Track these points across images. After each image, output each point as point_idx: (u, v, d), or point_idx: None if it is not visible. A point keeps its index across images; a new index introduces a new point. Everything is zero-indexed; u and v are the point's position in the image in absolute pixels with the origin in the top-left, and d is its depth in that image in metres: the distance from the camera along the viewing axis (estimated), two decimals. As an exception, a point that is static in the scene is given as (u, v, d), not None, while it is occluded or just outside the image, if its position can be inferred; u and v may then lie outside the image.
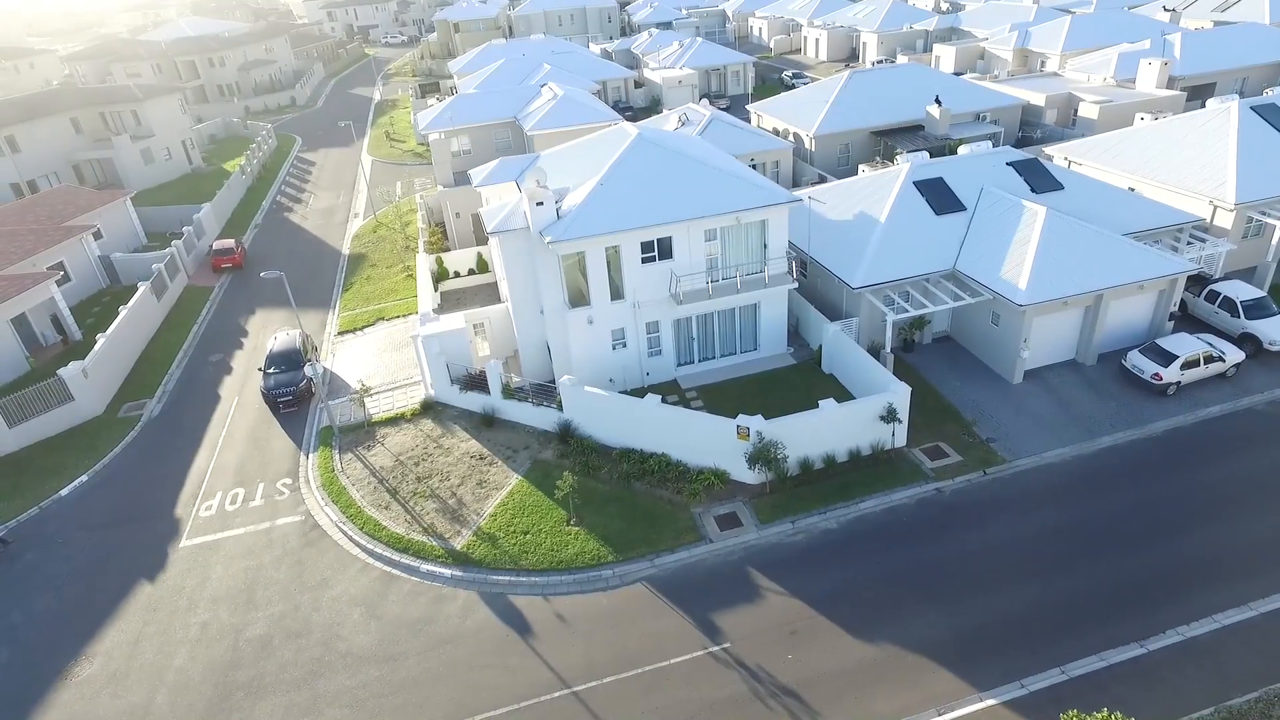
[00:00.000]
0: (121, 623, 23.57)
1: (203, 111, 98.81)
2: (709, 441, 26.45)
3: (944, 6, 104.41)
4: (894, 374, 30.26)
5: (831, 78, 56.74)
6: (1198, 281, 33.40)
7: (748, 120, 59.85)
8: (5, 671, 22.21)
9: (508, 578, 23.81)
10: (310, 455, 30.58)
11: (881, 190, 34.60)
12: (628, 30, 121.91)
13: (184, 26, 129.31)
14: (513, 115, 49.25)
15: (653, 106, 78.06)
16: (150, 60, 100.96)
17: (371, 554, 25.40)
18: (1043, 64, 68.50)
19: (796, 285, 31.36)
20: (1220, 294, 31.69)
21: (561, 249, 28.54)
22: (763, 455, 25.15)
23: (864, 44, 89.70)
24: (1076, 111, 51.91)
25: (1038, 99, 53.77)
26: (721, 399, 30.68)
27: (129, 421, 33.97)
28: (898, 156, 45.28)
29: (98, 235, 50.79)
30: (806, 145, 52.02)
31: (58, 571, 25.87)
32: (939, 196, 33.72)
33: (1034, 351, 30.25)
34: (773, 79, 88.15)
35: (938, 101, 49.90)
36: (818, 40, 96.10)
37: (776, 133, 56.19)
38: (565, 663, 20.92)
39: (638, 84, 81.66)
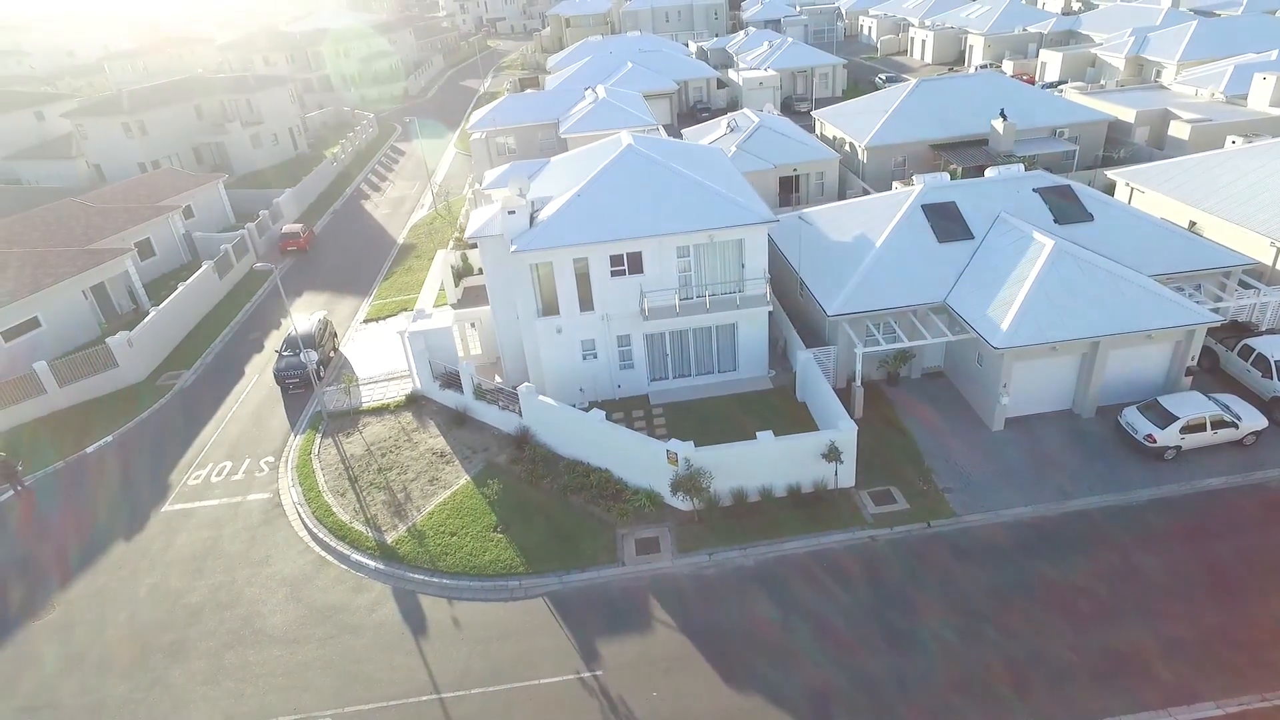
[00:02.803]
0: (91, 576, 26.18)
1: (324, 99, 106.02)
2: (643, 463, 26.20)
3: (1075, 6, 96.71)
4: (867, 408, 29.01)
5: (899, 85, 54.00)
6: (1240, 332, 29.69)
7: (813, 127, 58.06)
8: (-11, 606, 25.28)
9: (422, 577, 24.62)
10: (297, 437, 32.63)
11: (887, 212, 32.81)
12: (737, 27, 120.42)
13: (325, 18, 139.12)
14: (555, 118, 50.08)
15: (732, 107, 76.91)
16: (286, 51, 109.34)
17: (314, 537, 26.91)
18: (1157, 74, 62.27)
19: (771, 308, 30.38)
20: (1255, 350, 28.03)
21: (527, 258, 28.97)
22: (686, 484, 24.66)
23: (970, 46, 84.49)
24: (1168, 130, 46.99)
25: (1127, 114, 49.06)
26: (687, 418, 30.25)
27: (163, 390, 37.38)
28: (953, 172, 42.88)
29: (188, 214, 55.99)
30: (859, 157, 49.88)
31: (60, 522, 28.98)
32: (946, 222, 31.60)
33: (1022, 398, 27.93)
34: (870, 82, 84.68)
35: (1002, 115, 46.49)
36: (924, 42, 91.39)
37: (832, 142, 54.18)
38: (443, 668, 21.47)
39: (721, 84, 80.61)
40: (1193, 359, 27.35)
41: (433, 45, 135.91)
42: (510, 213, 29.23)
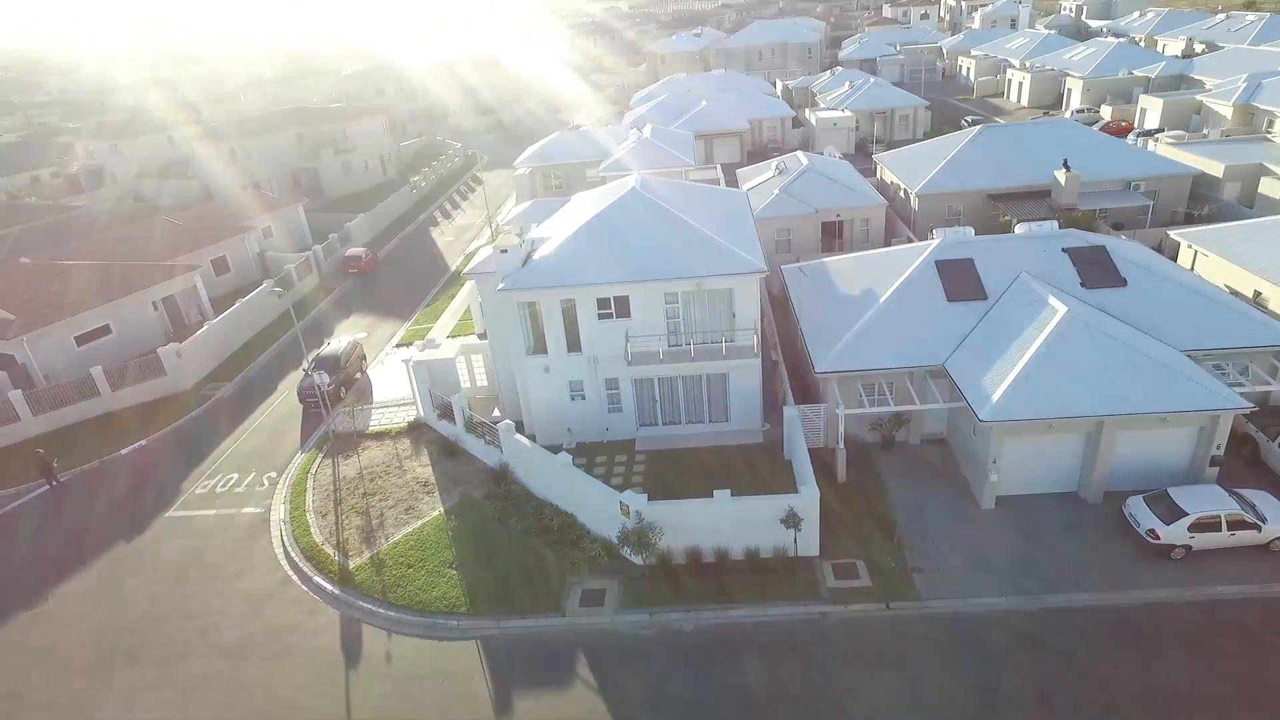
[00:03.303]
0: (87, 572, 28.00)
1: (426, 128, 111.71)
2: (603, 511, 25.72)
3: (1197, 49, 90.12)
4: (854, 473, 27.61)
5: (963, 131, 51.66)
6: (1289, 421, 26.38)
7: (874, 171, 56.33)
8: (-4, 592, 27.45)
9: (370, 606, 24.96)
10: (301, 455, 34.00)
11: (899, 266, 31.23)
12: (832, 66, 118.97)
13: (418, 53, 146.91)
14: (600, 155, 50.72)
15: (807, 148, 75.65)
16: (395, 82, 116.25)
17: (287, 556, 27.82)
18: (1269, 125, 56.88)
19: (758, 359, 29.36)
20: (1299, 443, 24.79)
21: (515, 296, 29.26)
22: (633, 537, 24.00)
23: (1069, 90, 79.95)
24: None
25: (1214, 168, 44.97)
26: (667, 467, 29.57)
27: (203, 400, 39.87)
28: (1012, 224, 40.60)
29: (268, 234, 60.04)
30: (911, 204, 47.89)
31: (79, 518, 31.23)
32: (958, 281, 29.75)
33: (1019, 475, 25.71)
34: (956, 125, 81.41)
35: (1065, 165, 43.55)
36: (1020, 84, 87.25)
37: (889, 187, 52.31)
38: (360, 703, 21.58)
39: (797, 124, 79.57)
40: (1218, 447, 24.41)
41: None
42: (502, 251, 29.66)
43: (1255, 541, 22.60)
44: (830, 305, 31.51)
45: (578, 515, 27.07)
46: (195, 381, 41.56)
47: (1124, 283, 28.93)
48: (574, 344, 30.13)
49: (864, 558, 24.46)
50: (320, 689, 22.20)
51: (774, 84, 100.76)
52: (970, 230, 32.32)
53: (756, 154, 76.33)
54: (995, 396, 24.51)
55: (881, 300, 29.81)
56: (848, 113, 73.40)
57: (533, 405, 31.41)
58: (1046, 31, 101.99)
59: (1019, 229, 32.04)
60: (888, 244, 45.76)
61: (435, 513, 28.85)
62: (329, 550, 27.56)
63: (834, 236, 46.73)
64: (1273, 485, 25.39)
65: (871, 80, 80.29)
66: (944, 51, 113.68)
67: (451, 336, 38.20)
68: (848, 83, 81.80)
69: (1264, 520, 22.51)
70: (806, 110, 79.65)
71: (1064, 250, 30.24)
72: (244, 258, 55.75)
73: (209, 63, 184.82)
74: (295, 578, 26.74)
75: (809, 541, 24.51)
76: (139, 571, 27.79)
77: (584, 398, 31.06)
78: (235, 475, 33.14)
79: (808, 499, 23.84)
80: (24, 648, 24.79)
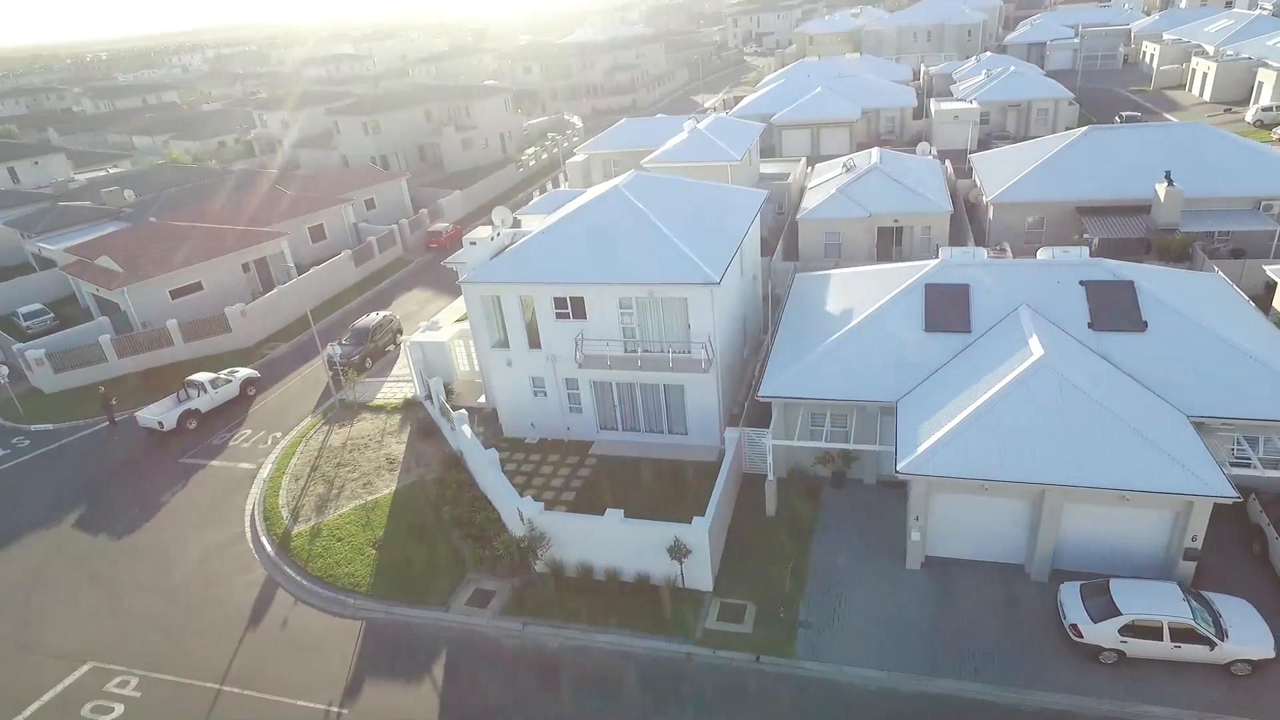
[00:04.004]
0: (102, 504, 31.77)
1: (565, 107, 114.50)
2: (513, 512, 25.63)
3: None
4: (789, 508, 25.88)
5: (1064, 133, 45.55)
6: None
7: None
8: (7, 512, 31.88)
9: (291, 572, 26.54)
10: (307, 419, 36.51)
11: (885, 286, 28.31)
12: (993, 50, 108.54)
13: (589, 31, 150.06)
14: (657, 145, 49.44)
15: (920, 141, 69.88)
16: (540, 61, 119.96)
17: (250, 514, 30.13)
18: None
19: (709, 374, 27.80)
20: (1310, 547, 19.95)
21: (476, 290, 29.57)
22: (510, 544, 23.77)
23: (1259, 84, 67.94)
24: None
25: (1376, 191, 36.71)
26: (612, 475, 28.95)
27: (258, 357, 43.79)
28: (1084, 242, 36.04)
29: (371, 206, 64.45)
30: (987, 213, 43.09)
31: (122, 454, 35.48)
32: (943, 309, 26.48)
33: (956, 538, 22.74)
34: (1110, 122, 71.82)
35: (1167, 179, 37.25)
36: (1205, 75, 75.23)
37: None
38: (240, 662, 23.09)
39: (918, 115, 73.53)
40: (1193, 539, 20.19)
41: (683, 59, 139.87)
42: (471, 243, 30.02)
43: (1207, 660, 18.60)
44: (810, 322, 29.19)
45: (501, 513, 27.19)
46: (257, 340, 45.66)
47: (1143, 327, 24.48)
48: (534, 340, 30.05)
49: (759, 601, 22.72)
50: (216, 640, 24.01)
51: (917, 70, 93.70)
52: (984, 251, 28.60)
53: (867, 145, 71.54)
54: (922, 446, 21.72)
55: (853, 323, 27.20)
56: (973, 104, 66.82)
57: (498, 397, 31.75)
58: (1257, 12, 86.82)
59: (1042, 254, 27.91)
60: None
61: (388, 490, 30.07)
62: (284, 514, 29.54)
63: (891, 243, 43.10)
64: (1275, 590, 20.74)
65: (1011, 68, 72.36)
66: (1132, 35, 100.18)
67: (459, 321, 39.30)
68: (985, 71, 74.30)
69: (1223, 636, 18.44)
70: (932, 100, 73.36)
71: (1081, 283, 26.04)
72: (340, 227, 60.12)
73: (399, 37, 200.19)
74: (248, 534, 28.95)
75: (699, 575, 23.12)
76: (136, 508, 31.21)
77: (545, 395, 30.97)
78: (249, 431, 36.23)
79: (698, 531, 22.44)
80: (24, 561, 28.71)
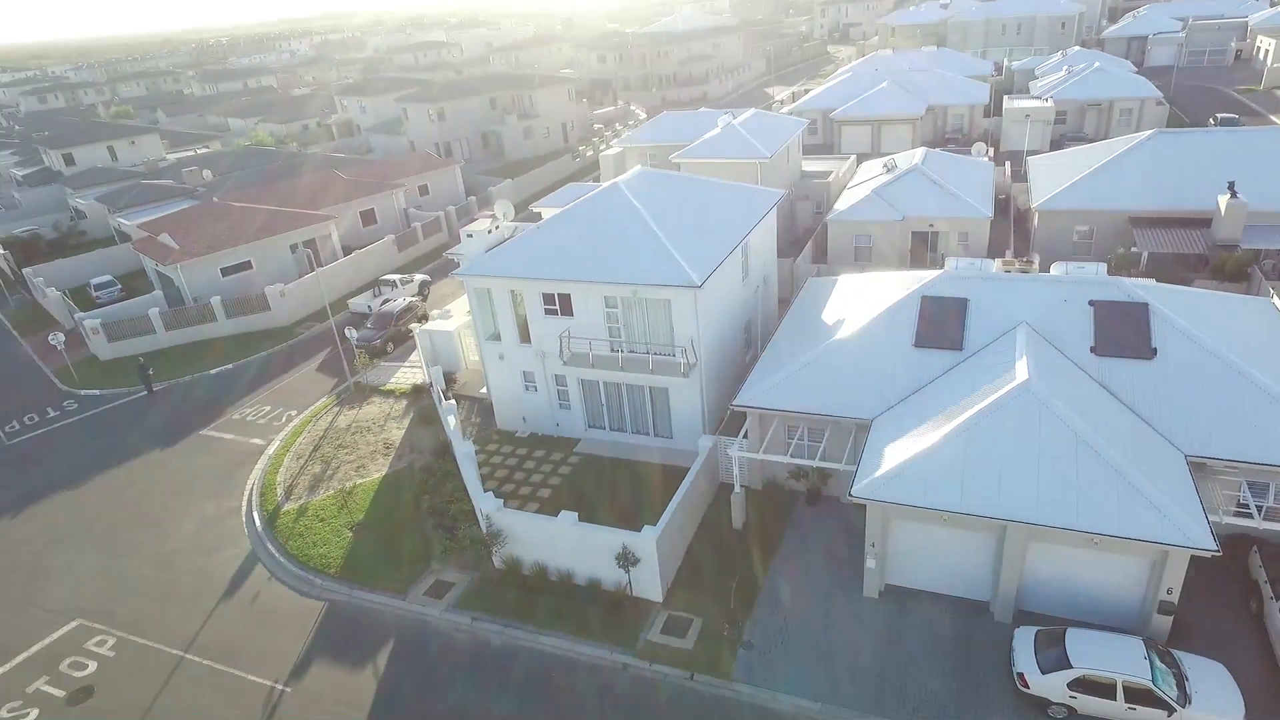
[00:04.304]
0: (121, 468, 33.76)
1: (634, 98, 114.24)
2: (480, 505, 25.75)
3: None
4: (759, 523, 25.21)
5: (1128, 136, 42.26)
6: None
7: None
8: (42, 469, 34.11)
9: (271, 548, 27.45)
10: (322, 400, 37.69)
11: (881, 296, 26.93)
12: (1095, 43, 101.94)
13: (678, 20, 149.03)
14: (691, 140, 48.42)
15: (987, 140, 66.31)
16: (614, 50, 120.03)
17: (249, 489, 31.33)
18: None
19: (689, 379, 27.12)
20: (1303, 612, 17.80)
21: (470, 282, 29.75)
22: (463, 539, 23.82)
23: (1381, 85, 61.21)
24: None
25: None
26: (592, 474, 28.75)
27: (293, 335, 45.52)
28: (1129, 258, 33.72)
29: (424, 192, 66.00)
30: (1033, 220, 40.49)
31: (149, 422, 37.55)
32: (937, 324, 24.97)
33: (917, 568, 21.49)
34: (1203, 125, 66.32)
35: (1231, 190, 34.03)
36: (1321, 74, 68.40)
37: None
38: (209, 631, 24.04)
39: (990, 113, 69.73)
40: (1169, 591, 18.35)
41: (761, 50, 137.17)
42: (468, 235, 30.20)
43: (1171, 726, 16.92)
44: (808, 328, 28.05)
45: (474, 505, 27.35)
46: (294, 320, 47.43)
47: (1151, 354, 22.42)
48: (525, 335, 30.03)
49: (707, 617, 22.07)
50: (192, 608, 25.09)
51: (1000, 65, 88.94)
52: (993, 264, 26.82)
53: (931, 144, 68.44)
54: (881, 470, 20.55)
55: (837, 336, 25.99)
56: (1048, 102, 62.83)
57: (492, 389, 31.94)
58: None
59: (1055, 268, 25.94)
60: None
61: (378, 475, 30.73)
62: (279, 491, 30.59)
63: (926, 248, 41.06)
64: (1265, 654, 18.68)
65: (1095, 64, 67.60)
66: (1248, 29, 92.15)
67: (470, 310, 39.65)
68: (1066, 67, 69.75)
69: (1185, 702, 16.72)
70: (1006, 97, 69.41)
71: (1091, 303, 24.05)
72: (392, 211, 61.76)
73: (489, 25, 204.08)
74: (243, 509, 30.12)
75: (649, 585, 22.64)
76: (151, 476, 32.94)
77: (535, 389, 30.94)
78: (268, 408, 37.68)
79: (646, 539, 21.95)
80: (47, 518, 30.75)
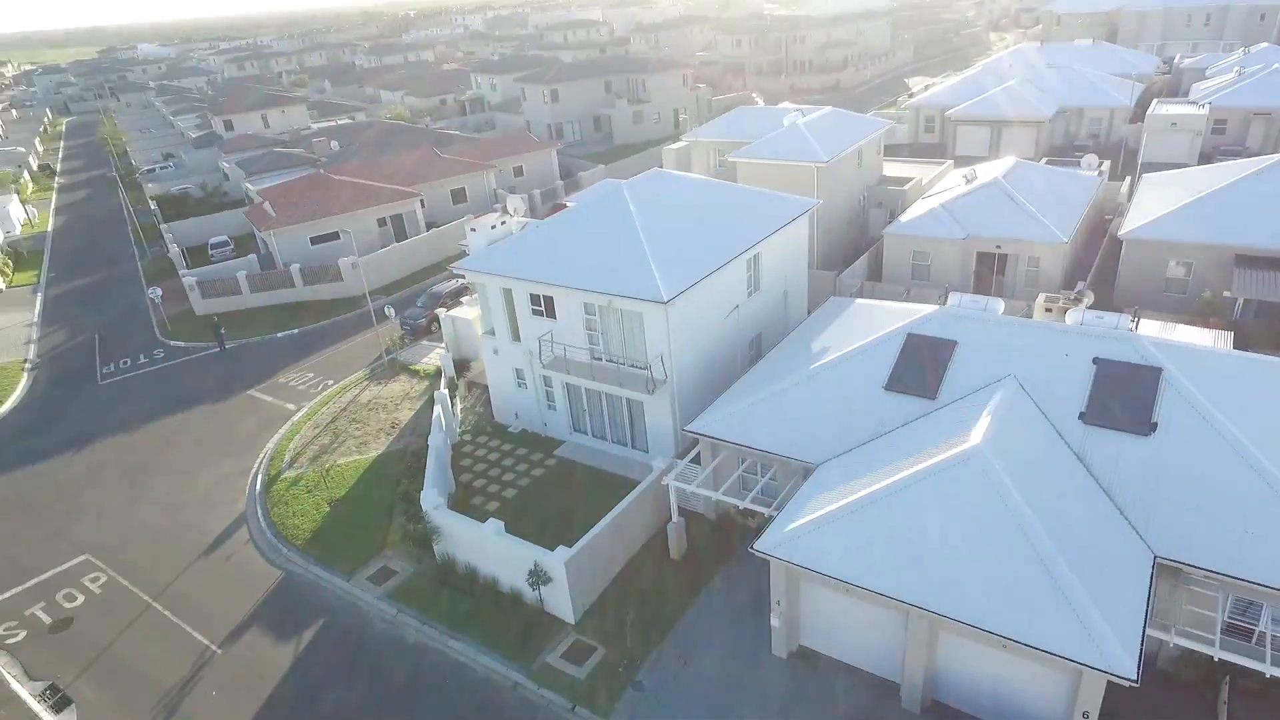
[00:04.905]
0: (173, 418, 37.05)
1: (769, 85, 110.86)
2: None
3: None
4: (702, 555, 24.32)
5: (1253, 159, 36.12)
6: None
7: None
8: (116, 412, 37.95)
9: (259, 512, 29.26)
10: (357, 373, 39.57)
11: (866, 328, 24.63)
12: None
13: (828, 2, 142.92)
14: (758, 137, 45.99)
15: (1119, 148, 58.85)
16: (750, 34, 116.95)
17: (262, 453, 33.43)
18: None
19: (654, 396, 26.07)
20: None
21: (469, 277, 30.06)
22: (403, 533, 24.22)
23: None
24: None
25: None
26: (564, 479, 28.57)
27: (357, 307, 48.05)
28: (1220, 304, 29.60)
29: (519, 173, 67.49)
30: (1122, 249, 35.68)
31: (214, 377, 40.97)
32: (914, 367, 22.52)
33: (831, 635, 19.68)
34: None
35: (1359, 235, 28.28)
36: None
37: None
38: (180, 584, 25.99)
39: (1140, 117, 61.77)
40: (1084, 715, 15.62)
41: (910, 37, 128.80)
42: (471, 229, 30.48)
43: None
44: (795, 353, 26.21)
45: (436, 497, 27.84)
46: (364, 291, 49.95)
47: (1149, 429, 19.10)
48: (516, 333, 30.03)
49: (614, 648, 21.33)
50: (175, 559, 27.25)
51: (1170, 62, 78.66)
52: (999, 304, 23.77)
53: (1059, 150, 61.79)
54: (794, 524, 18.88)
55: (811, 367, 24.05)
56: (1202, 109, 54.86)
57: (490, 382, 32.27)
58: None
59: (1070, 316, 22.62)
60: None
61: (375, 453, 31.96)
62: (287, 458, 32.52)
63: (992, 271, 37.24)
64: (1208, 814, 15.62)
65: (1275, 66, 58.06)
66: None
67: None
68: (1239, 68, 60.47)
69: None
70: (1156, 101, 61.20)
71: (1095, 361, 20.82)
72: (482, 191, 63.61)
73: (644, 4, 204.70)
74: (252, 471, 32.29)
75: (561, 606, 22.15)
76: (193, 428, 35.96)
77: (525, 387, 30.94)
78: (311, 375, 40.07)
79: (557, 560, 21.47)
80: (98, 458, 34.35)
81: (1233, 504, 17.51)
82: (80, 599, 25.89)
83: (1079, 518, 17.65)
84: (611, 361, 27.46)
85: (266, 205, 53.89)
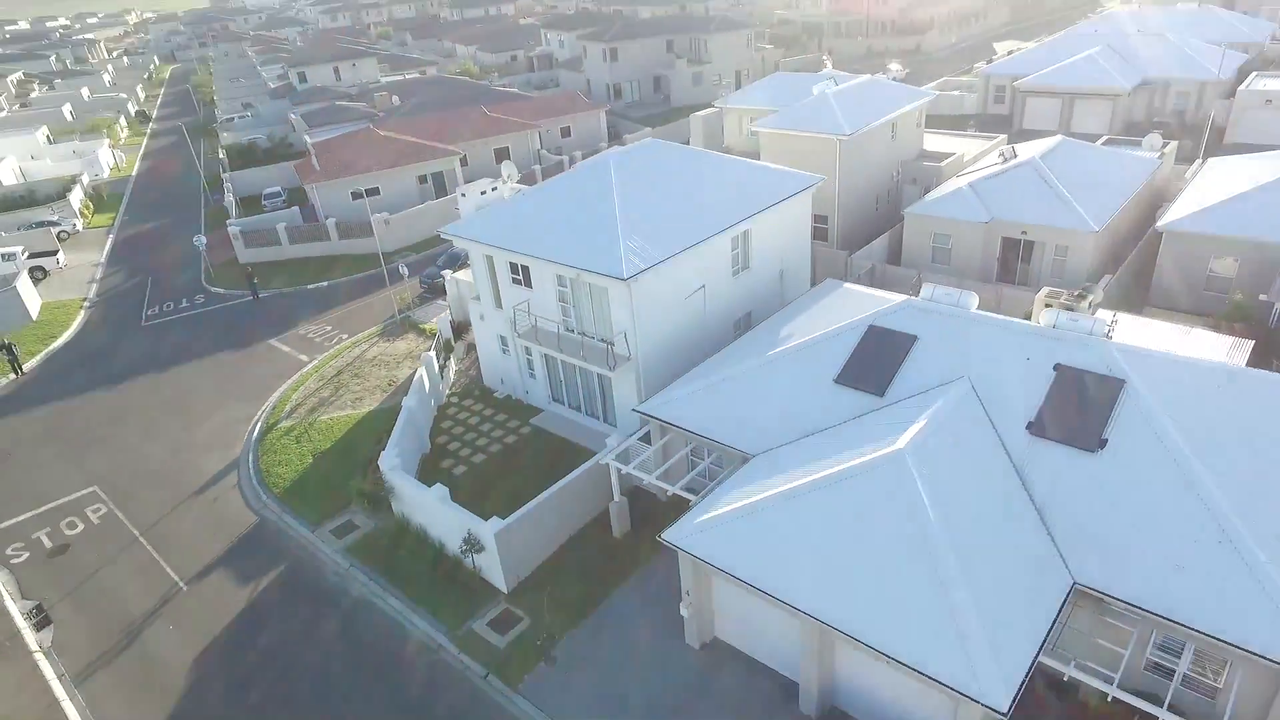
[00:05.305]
0: (202, 360, 39.09)
1: (846, 46, 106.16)
2: (399, 460, 26.83)
3: None
4: (649, 536, 24.02)
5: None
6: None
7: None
8: (154, 352, 40.23)
9: (247, 460, 30.70)
10: (371, 329, 40.68)
11: (840, 315, 23.61)
12: None
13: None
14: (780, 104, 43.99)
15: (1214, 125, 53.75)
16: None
17: (268, 401, 34.90)
18: None
19: (611, 370, 25.80)
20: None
21: (455, 241, 30.27)
22: (356, 490, 25.12)
23: None
24: None
25: None
26: (531, 449, 28.77)
27: (386, 262, 49.16)
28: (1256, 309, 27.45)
29: (565, 134, 67.27)
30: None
31: (246, 324, 42.93)
32: (868, 361, 21.49)
33: (741, 630, 19.30)
34: None
35: None
36: None
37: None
38: (166, 522, 27.67)
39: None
40: (970, 748, 14.85)
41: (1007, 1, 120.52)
42: (461, 194, 30.58)
43: None
44: (767, 336, 25.40)
45: (407, 457, 28.54)
46: (395, 248, 51.15)
47: (1097, 446, 17.70)
48: (498, 300, 30.17)
49: (538, 621, 21.59)
50: (166, 496, 29.00)
51: (1288, 29, 70.96)
52: (973, 298, 22.28)
53: (1138, 127, 57.10)
54: (705, 515, 18.49)
55: (769, 353, 23.27)
56: (1299, 87, 49.51)
57: (479, 347, 32.64)
58: None
59: (1044, 316, 21.02)
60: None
61: (367, 409, 32.96)
62: (288, 407, 33.92)
63: (1017, 259, 35.01)
64: None
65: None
66: None
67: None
68: (1356, 40, 54.06)
69: None
70: (1253, 75, 55.44)
71: (1056, 367, 19.37)
72: (525, 150, 63.72)
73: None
74: (254, 416, 33.84)
75: (494, 574, 22.51)
76: (212, 373, 37.85)
77: (508, 354, 31.17)
78: (329, 328, 41.46)
79: (489, 530, 21.76)
80: (130, 397, 36.65)
81: (1169, 535, 16.13)
82: (80, 527, 27.91)
83: (1000, 537, 16.63)
84: (583, 335, 27.31)
85: (313, 158, 55.48)
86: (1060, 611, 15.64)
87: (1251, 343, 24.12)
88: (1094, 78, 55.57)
